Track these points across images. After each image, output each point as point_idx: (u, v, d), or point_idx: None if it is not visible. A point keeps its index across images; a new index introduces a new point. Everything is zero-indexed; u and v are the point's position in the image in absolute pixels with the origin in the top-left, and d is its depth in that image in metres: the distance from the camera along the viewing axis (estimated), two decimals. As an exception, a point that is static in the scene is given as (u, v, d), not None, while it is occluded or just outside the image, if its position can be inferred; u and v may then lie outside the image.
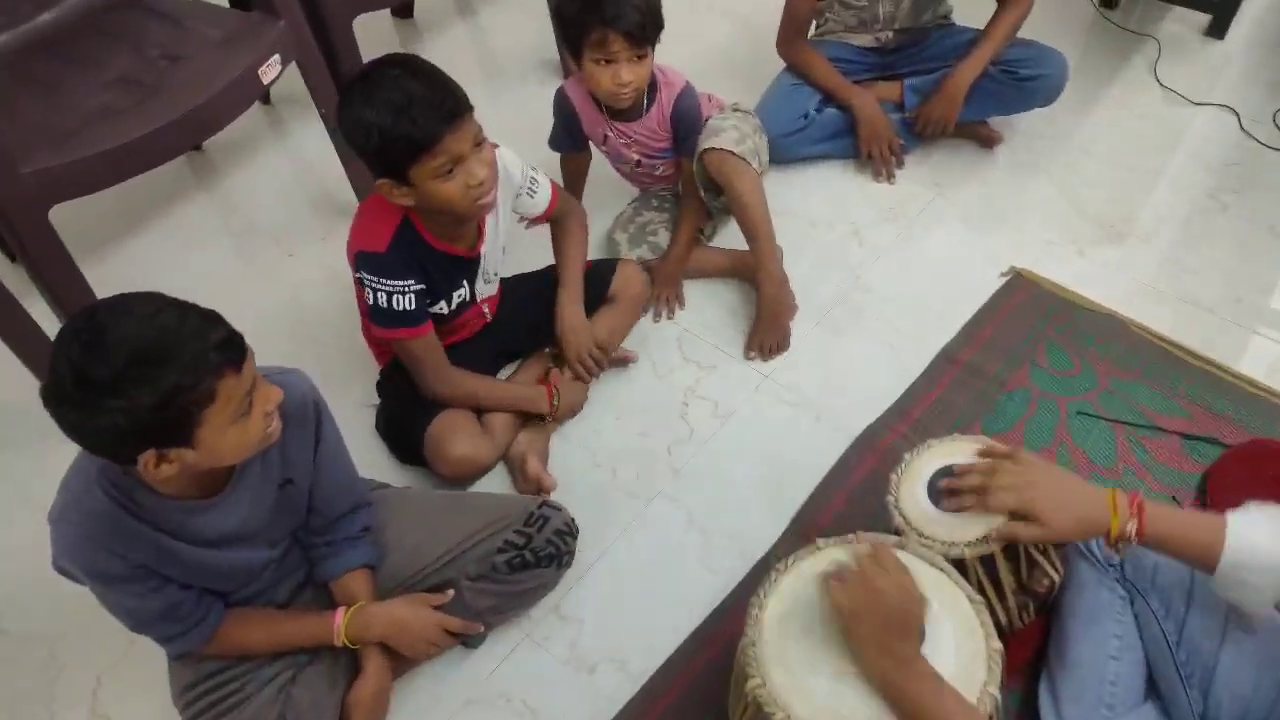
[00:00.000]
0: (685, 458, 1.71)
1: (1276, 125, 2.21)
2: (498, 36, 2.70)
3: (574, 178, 2.03)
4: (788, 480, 1.65)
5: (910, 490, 1.32)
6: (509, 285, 1.78)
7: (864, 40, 2.18)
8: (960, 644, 1.10)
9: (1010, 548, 1.25)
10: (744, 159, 1.75)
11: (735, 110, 1.89)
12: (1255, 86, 2.32)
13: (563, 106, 1.85)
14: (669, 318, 1.91)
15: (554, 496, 1.63)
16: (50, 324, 1.73)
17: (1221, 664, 1.17)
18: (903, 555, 1.17)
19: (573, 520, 1.47)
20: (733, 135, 1.76)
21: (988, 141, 2.20)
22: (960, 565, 1.23)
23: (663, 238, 1.94)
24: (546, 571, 1.44)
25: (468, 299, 1.62)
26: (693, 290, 1.96)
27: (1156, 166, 2.15)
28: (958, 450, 1.34)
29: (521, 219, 1.70)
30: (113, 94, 1.66)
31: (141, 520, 1.13)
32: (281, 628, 1.32)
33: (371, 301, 1.48)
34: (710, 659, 1.43)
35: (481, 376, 1.65)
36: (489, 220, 1.57)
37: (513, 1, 2.75)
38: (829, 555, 1.20)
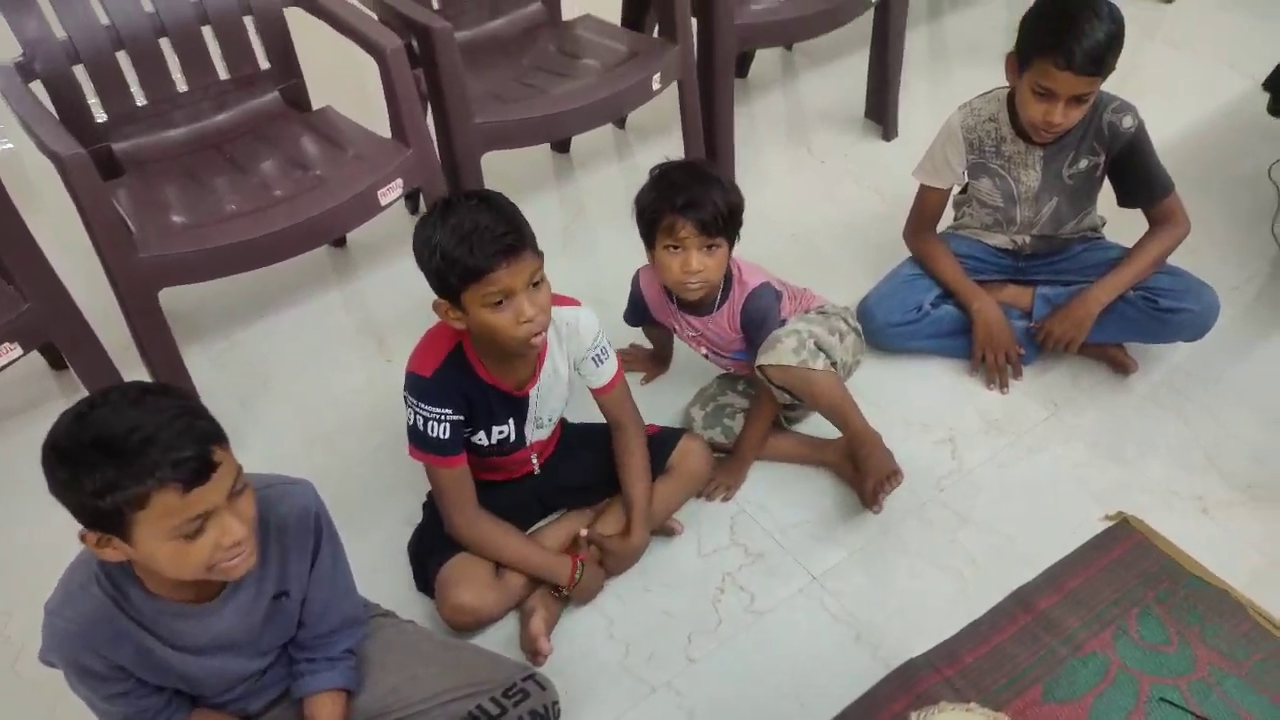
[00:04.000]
0: (705, 649, 1.60)
1: None
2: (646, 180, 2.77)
3: (659, 342, 2.02)
4: (807, 701, 1.51)
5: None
6: (569, 435, 1.77)
7: (999, 240, 2.07)
8: None
9: None
10: (803, 367, 1.67)
11: (820, 312, 1.83)
12: None
13: (634, 288, 1.87)
14: (722, 501, 1.82)
15: (557, 659, 1.57)
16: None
17: None
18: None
19: (554, 704, 1.39)
20: (790, 344, 1.68)
21: (1121, 367, 2.00)
22: None
23: (739, 424, 1.87)
24: None
25: (511, 438, 1.61)
26: (764, 471, 1.87)
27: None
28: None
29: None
30: (244, 196, 1.82)
31: (130, 619, 1.16)
32: None
33: (410, 422, 1.52)
34: None
35: (507, 528, 1.62)
36: (546, 364, 1.57)
37: (668, 147, 2.82)
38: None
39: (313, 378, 2.15)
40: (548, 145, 2.78)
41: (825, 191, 2.61)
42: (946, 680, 1.52)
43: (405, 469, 1.85)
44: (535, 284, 1.40)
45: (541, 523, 1.76)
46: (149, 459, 0.99)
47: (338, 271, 2.46)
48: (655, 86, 2.12)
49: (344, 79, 2.69)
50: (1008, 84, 1.86)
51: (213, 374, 2.12)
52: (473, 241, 1.33)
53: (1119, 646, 1.56)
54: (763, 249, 1.93)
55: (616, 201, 2.69)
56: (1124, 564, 1.68)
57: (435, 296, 1.44)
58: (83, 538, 1.06)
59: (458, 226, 1.34)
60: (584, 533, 1.68)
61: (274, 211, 1.75)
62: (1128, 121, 1.82)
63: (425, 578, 1.62)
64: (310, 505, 1.27)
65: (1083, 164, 1.89)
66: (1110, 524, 1.74)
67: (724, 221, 1.62)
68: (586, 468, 1.74)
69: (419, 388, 1.50)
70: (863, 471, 1.73)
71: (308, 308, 2.33)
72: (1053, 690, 1.50)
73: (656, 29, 2.33)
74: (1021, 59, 1.75)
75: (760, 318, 1.74)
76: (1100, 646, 1.56)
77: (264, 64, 2.05)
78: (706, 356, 1.89)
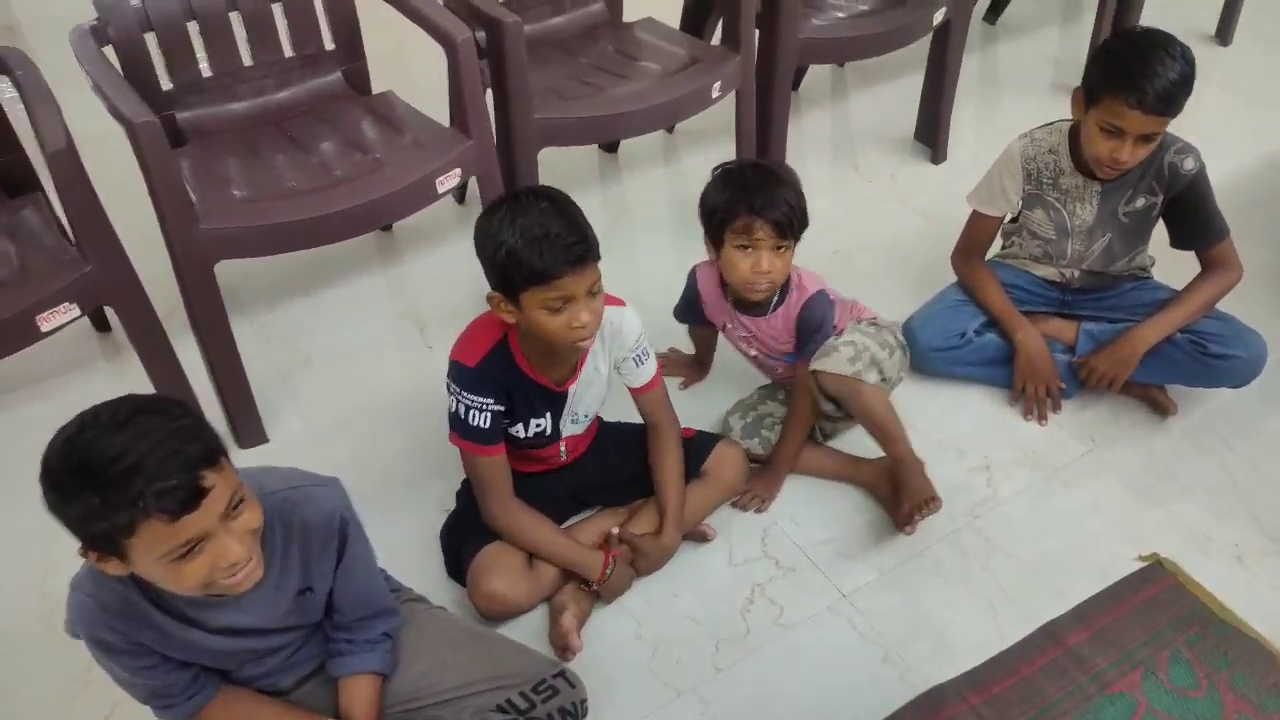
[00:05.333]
0: (732, 659, 1.60)
1: None
2: (692, 186, 2.76)
3: (702, 345, 2.03)
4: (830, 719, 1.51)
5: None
6: (604, 431, 1.78)
7: (1047, 273, 2.07)
8: None
9: None
10: (856, 378, 1.68)
11: (873, 324, 1.84)
12: None
13: (691, 285, 1.88)
14: (756, 512, 1.83)
15: (584, 657, 1.57)
16: (196, 370, 1.90)
17: None
18: None
19: (583, 701, 1.40)
20: (846, 354, 1.70)
21: (1161, 408, 2.00)
22: None
23: (777, 435, 1.87)
24: None
25: (548, 431, 1.62)
26: (798, 486, 1.87)
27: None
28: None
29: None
30: (305, 175, 1.83)
31: (154, 604, 1.16)
32: None
33: (452, 409, 1.54)
34: None
35: (541, 519, 1.63)
36: (588, 362, 1.59)
37: (716, 154, 2.82)
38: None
39: (353, 359, 2.16)
40: (596, 145, 2.79)
41: (869, 210, 2.61)
42: (973, 709, 1.52)
43: (440, 455, 1.88)
44: (593, 293, 1.41)
45: (574, 519, 1.77)
46: (133, 489, 0.97)
47: (383, 255, 2.47)
48: (715, 95, 2.12)
49: (396, 65, 2.71)
50: (1070, 116, 1.86)
51: (255, 347, 2.14)
52: (543, 246, 1.34)
53: (1147, 688, 1.55)
54: (803, 263, 1.94)
55: (660, 205, 2.70)
56: (1156, 605, 1.67)
57: (489, 289, 1.45)
58: (82, 554, 1.05)
59: (528, 228, 1.35)
60: (615, 531, 1.69)
61: (334, 193, 1.76)
62: (1189, 164, 1.81)
63: (458, 564, 1.64)
64: (336, 508, 1.25)
65: (1140, 203, 1.88)
66: (1144, 564, 1.73)
67: (796, 223, 1.64)
68: (619, 465, 1.75)
69: (462, 376, 1.52)
70: (901, 493, 1.74)
71: (352, 289, 2.35)
72: (1078, 727, 1.50)
73: (717, 36, 2.34)
74: (1090, 94, 1.74)
75: (816, 323, 1.75)
76: (1128, 687, 1.55)
77: (329, 44, 2.07)
78: (755, 358, 1.90)
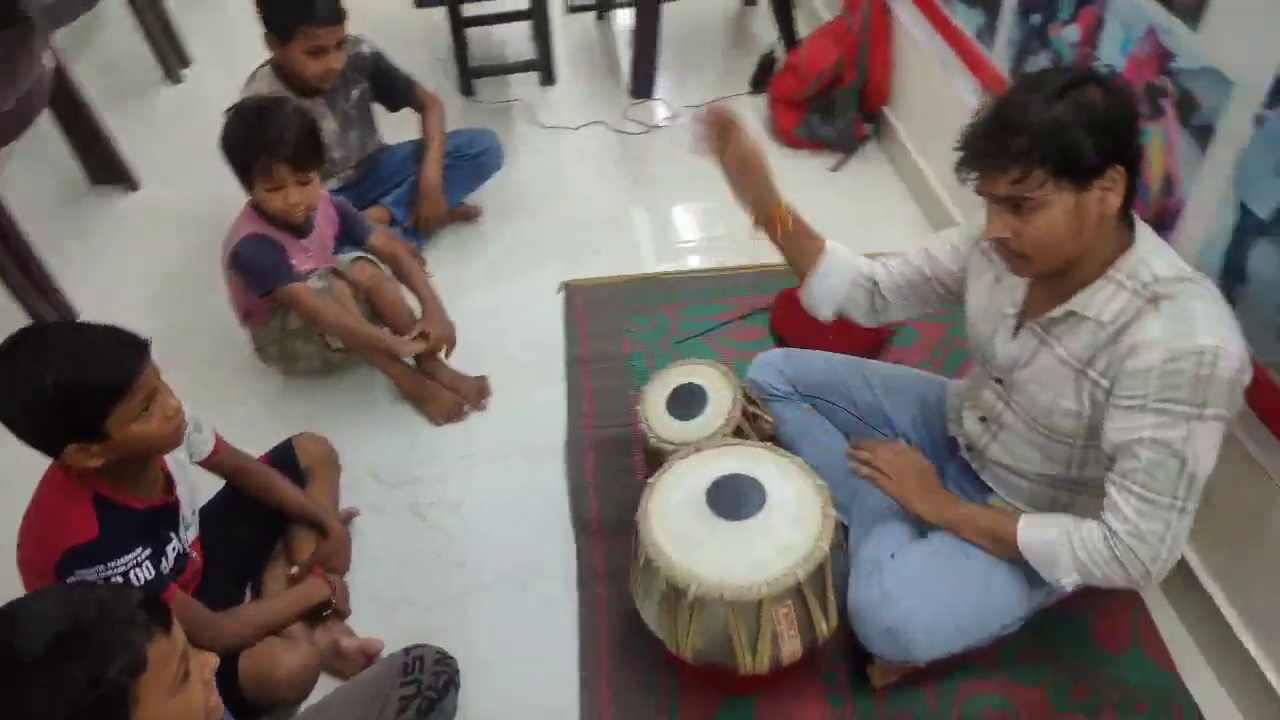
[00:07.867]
0: (460, 554, 1.83)
1: (628, 118, 3.00)
2: None
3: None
4: (544, 514, 1.88)
5: (659, 421, 1.68)
6: (203, 519, 1.70)
7: (332, 185, 2.41)
8: (801, 485, 1.47)
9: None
10: None
11: None
12: (596, 102, 3.11)
13: (262, 244, 1.90)
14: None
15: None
16: None
17: (885, 406, 1.72)
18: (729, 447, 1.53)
19: (439, 648, 1.48)
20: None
21: (473, 216, 2.61)
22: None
23: None
24: (447, 701, 1.45)
25: (182, 550, 1.53)
26: (362, 426, 2.07)
27: (590, 177, 2.79)
28: (671, 377, 1.74)
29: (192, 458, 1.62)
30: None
31: None
32: None
33: None
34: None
35: (247, 608, 1.60)
36: (170, 462, 1.52)
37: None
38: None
39: None
40: None
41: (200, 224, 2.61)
42: (592, 428, 2.02)
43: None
44: (159, 374, 1.36)
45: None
46: (122, 615, 0.92)
47: None
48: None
49: None
50: (266, 59, 2.18)
51: None
52: (102, 360, 1.26)
53: (634, 339, 2.23)
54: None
55: None
56: (592, 304, 2.34)
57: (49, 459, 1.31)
58: None
59: (68, 353, 1.25)
60: (294, 571, 1.71)
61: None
62: (366, 48, 2.31)
63: (233, 706, 1.48)
64: None
65: (355, 93, 2.33)
66: (562, 294, 2.38)
67: (311, 156, 1.82)
68: (238, 529, 1.71)
69: (98, 551, 1.34)
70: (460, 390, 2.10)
71: None
72: (639, 385, 2.07)
73: None
74: (282, 34, 2.08)
75: (353, 209, 2.14)
76: (631, 347, 2.21)
77: None
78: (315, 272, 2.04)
